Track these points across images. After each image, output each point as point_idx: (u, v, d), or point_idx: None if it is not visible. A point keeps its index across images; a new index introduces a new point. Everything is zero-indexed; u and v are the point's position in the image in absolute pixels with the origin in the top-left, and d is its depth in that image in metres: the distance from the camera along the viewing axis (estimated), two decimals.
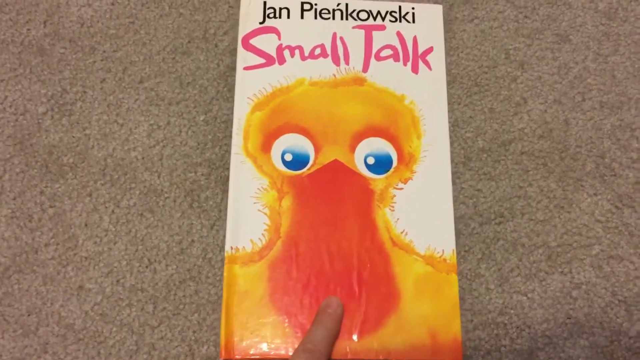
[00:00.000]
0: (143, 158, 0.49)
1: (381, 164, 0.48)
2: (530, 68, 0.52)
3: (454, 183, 0.48)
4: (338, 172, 0.47)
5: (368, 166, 0.47)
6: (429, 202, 0.47)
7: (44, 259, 0.46)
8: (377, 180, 0.47)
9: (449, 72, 0.51)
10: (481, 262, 0.46)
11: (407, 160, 0.48)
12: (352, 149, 0.48)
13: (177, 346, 0.45)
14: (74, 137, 0.49)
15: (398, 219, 0.46)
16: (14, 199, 0.48)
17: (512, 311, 0.45)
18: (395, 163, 0.48)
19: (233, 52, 0.52)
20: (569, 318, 0.45)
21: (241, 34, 0.51)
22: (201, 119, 0.50)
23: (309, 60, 0.50)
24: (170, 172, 0.48)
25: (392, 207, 0.47)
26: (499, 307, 0.45)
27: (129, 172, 0.48)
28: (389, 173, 0.47)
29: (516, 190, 0.48)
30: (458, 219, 0.47)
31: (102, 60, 0.51)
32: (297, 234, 0.46)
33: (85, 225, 0.47)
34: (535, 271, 0.46)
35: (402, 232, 0.46)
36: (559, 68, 0.52)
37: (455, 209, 0.47)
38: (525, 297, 0.46)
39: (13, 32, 0.52)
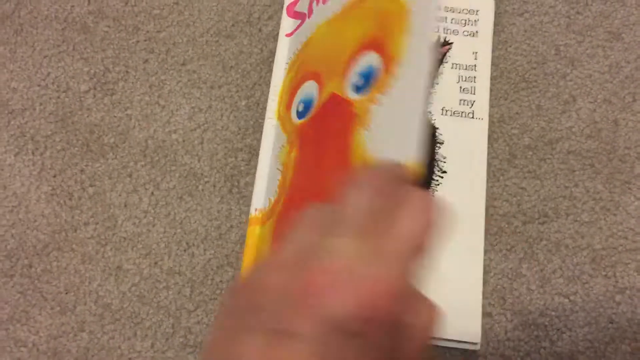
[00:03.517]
0: (184, 141, 0.48)
1: (367, 81, 0.38)
2: (580, 65, 0.50)
3: (497, 180, 0.47)
4: (332, 106, 0.41)
5: (356, 88, 0.39)
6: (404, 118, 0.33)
7: (83, 238, 0.46)
8: (360, 101, 0.38)
9: (496, 66, 0.50)
10: (523, 262, 0.46)
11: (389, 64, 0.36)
12: (345, 75, 0.40)
13: None
14: (115, 116, 0.49)
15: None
16: (55, 176, 0.48)
17: (553, 313, 0.44)
18: (379, 74, 0.37)
19: (277, 38, 0.51)
20: (612, 322, 0.44)
21: (287, 2, 0.49)
22: (243, 104, 0.50)
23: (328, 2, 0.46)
24: (211, 157, 0.48)
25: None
26: (540, 309, 0.45)
27: (169, 154, 0.48)
28: (371, 86, 0.37)
29: (561, 190, 0.47)
30: (501, 217, 0.46)
31: (145, 40, 0.51)
32: (297, 182, 0.42)
33: (125, 205, 0.47)
34: (578, 273, 0.45)
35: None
36: (610, 67, 0.50)
37: (499, 207, 0.47)
38: (567, 300, 0.45)
39: (57, 9, 0.52)
